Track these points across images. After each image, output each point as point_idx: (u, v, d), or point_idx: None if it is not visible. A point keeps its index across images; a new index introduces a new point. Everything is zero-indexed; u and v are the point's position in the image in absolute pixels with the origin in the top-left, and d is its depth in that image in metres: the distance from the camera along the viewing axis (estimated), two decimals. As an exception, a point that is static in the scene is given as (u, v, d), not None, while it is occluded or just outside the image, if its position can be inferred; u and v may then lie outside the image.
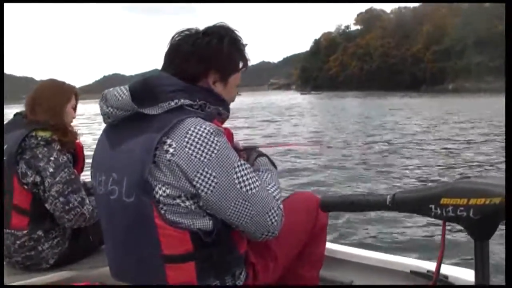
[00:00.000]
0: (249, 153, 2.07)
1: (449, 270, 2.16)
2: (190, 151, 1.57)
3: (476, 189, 1.25)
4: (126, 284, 1.81)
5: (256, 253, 1.95)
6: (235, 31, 1.92)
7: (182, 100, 1.67)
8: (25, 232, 2.61)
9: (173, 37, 1.88)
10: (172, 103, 1.65)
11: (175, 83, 1.73)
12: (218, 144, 1.61)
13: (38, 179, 2.58)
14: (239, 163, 1.66)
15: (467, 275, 2.11)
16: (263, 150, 2.15)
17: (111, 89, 1.75)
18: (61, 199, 2.55)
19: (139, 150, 1.61)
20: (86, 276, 2.70)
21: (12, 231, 2.62)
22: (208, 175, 1.58)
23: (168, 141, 1.58)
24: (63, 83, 2.95)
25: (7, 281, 2.55)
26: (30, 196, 2.61)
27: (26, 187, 2.59)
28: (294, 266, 2.16)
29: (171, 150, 1.57)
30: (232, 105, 1.94)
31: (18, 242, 2.61)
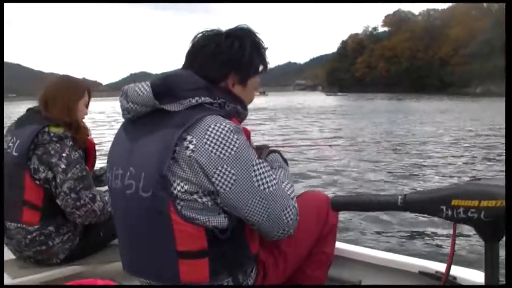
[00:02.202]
0: (261, 150, 2.09)
1: (458, 272, 2.13)
2: (210, 148, 1.59)
3: (487, 191, 1.25)
4: (138, 278, 1.84)
5: (266, 251, 1.97)
6: (257, 34, 1.94)
7: (202, 98, 1.70)
8: (36, 227, 2.62)
9: (195, 37, 1.90)
10: (193, 101, 1.68)
11: (196, 81, 1.75)
12: (238, 142, 1.63)
13: (50, 175, 2.59)
14: (257, 161, 1.68)
15: (476, 276, 2.09)
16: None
17: (131, 84, 1.76)
18: (73, 195, 2.55)
19: (158, 145, 1.63)
20: (96, 271, 2.75)
21: (24, 226, 2.62)
22: (227, 172, 1.60)
23: (189, 137, 1.60)
24: (76, 79, 2.95)
25: (17, 275, 2.59)
26: (41, 192, 2.61)
27: (38, 182, 2.59)
28: (303, 265, 2.17)
29: (191, 146, 1.59)
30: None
31: (29, 236, 2.62)
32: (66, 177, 2.56)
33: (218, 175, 1.61)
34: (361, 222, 6.93)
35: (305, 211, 1.98)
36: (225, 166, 1.61)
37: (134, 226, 1.76)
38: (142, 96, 1.70)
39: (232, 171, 1.62)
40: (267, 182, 1.68)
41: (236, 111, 1.83)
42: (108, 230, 2.75)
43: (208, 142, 1.60)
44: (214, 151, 1.60)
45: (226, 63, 1.85)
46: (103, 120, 32.12)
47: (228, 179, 1.62)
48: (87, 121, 2.96)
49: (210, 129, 1.62)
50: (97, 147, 2.96)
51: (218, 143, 1.61)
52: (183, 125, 1.62)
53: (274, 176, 1.73)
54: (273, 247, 2.00)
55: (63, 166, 2.58)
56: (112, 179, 1.82)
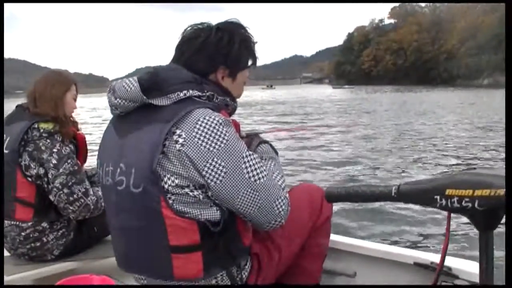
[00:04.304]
0: (251, 140, 2.07)
1: (452, 262, 2.14)
2: (200, 141, 1.59)
3: (481, 180, 1.23)
4: (132, 274, 1.85)
5: (261, 244, 1.97)
6: (247, 29, 1.95)
7: (190, 91, 1.69)
8: (30, 224, 2.61)
9: (185, 30, 1.90)
10: (181, 94, 1.67)
11: (184, 74, 1.75)
12: (227, 134, 1.63)
13: (41, 171, 2.57)
14: (247, 153, 1.68)
15: (471, 267, 2.10)
16: (266, 135, 2.18)
17: (119, 80, 1.76)
18: (65, 190, 2.54)
19: (148, 141, 1.63)
20: (91, 267, 2.74)
21: (17, 223, 2.61)
22: (217, 165, 1.60)
23: (178, 131, 1.60)
24: (62, 73, 2.90)
25: (12, 272, 2.57)
26: (34, 188, 2.60)
27: (29, 179, 2.58)
28: (298, 257, 2.16)
29: (180, 140, 1.59)
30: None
31: (23, 233, 2.61)
32: (58, 173, 2.55)
33: (209, 168, 1.61)
34: (355, 214, 6.89)
35: (299, 203, 2.00)
36: (215, 159, 1.61)
37: (126, 222, 1.76)
38: (129, 91, 1.70)
39: (223, 163, 1.62)
40: (257, 174, 1.68)
41: (225, 103, 1.84)
42: (103, 225, 2.70)
43: (198, 136, 1.60)
44: (204, 144, 1.60)
45: (215, 56, 1.86)
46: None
47: (219, 172, 1.62)
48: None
49: (199, 123, 1.62)
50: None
51: (207, 136, 1.61)
52: (171, 119, 1.62)
53: (264, 167, 1.73)
54: (267, 240, 2.00)
55: (54, 161, 2.56)
56: (103, 175, 1.82)
